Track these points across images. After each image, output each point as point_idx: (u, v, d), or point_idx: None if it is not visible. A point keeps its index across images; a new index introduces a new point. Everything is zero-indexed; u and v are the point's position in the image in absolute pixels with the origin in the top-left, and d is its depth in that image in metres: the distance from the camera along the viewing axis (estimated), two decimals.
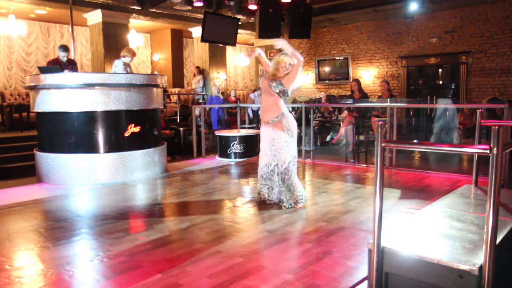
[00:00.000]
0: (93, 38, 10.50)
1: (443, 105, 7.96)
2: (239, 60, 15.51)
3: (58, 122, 5.45)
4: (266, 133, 4.09)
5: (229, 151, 7.14)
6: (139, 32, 13.40)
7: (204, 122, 8.32)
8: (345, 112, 8.92)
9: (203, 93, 12.08)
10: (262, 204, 4.19)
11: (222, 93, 12.01)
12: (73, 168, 5.36)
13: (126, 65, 6.53)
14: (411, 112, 10.11)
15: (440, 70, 11.09)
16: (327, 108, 10.17)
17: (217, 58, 12.75)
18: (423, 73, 11.41)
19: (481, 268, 1.72)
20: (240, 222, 3.71)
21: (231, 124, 10.43)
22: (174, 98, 12.20)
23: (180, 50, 14.46)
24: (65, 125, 5.42)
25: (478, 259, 1.78)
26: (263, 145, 4.15)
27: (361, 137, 7.77)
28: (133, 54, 6.63)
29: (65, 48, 6.43)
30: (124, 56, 6.53)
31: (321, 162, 6.86)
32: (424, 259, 1.86)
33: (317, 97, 11.02)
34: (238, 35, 10.58)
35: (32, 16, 11.13)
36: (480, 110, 3.25)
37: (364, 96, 8.73)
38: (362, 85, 9.75)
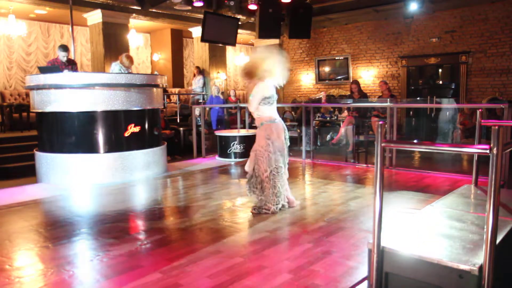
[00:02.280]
0: (93, 38, 10.50)
1: (442, 105, 7.96)
2: (239, 60, 15.51)
3: (58, 122, 5.45)
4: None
5: (229, 151, 7.13)
6: (139, 32, 13.40)
7: (204, 122, 8.32)
8: (345, 112, 8.92)
9: (203, 93, 12.08)
10: None
11: (222, 93, 12.01)
12: (73, 168, 5.36)
13: (124, 68, 6.57)
14: (411, 112, 10.11)
15: (440, 70, 11.09)
16: (327, 108, 10.17)
17: (217, 58, 12.74)
18: (423, 73, 11.41)
19: (481, 268, 1.72)
20: (240, 222, 3.71)
21: (231, 124, 10.43)
22: (174, 98, 12.20)
23: (180, 50, 14.45)
24: (65, 125, 5.42)
25: (478, 259, 1.78)
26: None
27: (361, 137, 7.76)
28: (131, 61, 6.68)
29: (65, 48, 6.43)
30: (122, 62, 6.57)
31: (321, 162, 6.86)
32: (424, 259, 1.86)
33: (317, 97, 11.02)
34: (238, 35, 10.57)
35: (32, 16, 11.13)
36: (480, 110, 3.25)
37: (363, 96, 8.73)
38: (362, 86, 9.74)
